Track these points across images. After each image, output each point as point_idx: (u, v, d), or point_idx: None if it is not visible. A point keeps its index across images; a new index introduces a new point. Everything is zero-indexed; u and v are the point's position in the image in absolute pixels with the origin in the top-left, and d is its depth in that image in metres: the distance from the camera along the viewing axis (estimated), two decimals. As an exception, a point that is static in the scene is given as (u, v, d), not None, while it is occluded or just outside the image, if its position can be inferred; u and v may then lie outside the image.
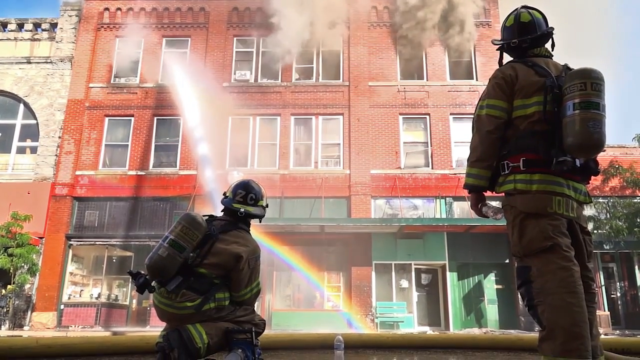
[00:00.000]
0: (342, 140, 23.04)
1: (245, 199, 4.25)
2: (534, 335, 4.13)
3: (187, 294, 3.81)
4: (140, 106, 23.47)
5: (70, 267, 21.81)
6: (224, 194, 4.36)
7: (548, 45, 3.55)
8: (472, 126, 3.47)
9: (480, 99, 3.48)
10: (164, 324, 4.02)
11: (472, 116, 3.54)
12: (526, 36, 3.46)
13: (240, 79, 24.01)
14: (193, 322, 3.79)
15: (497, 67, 3.56)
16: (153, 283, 3.84)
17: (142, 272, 3.85)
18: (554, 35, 3.55)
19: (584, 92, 2.99)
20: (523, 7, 3.57)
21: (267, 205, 4.44)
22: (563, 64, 3.38)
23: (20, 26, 24.78)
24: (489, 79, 3.46)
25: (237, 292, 4.03)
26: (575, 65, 3.31)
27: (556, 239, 3.04)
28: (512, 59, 3.56)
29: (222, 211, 4.33)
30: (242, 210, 4.20)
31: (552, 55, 3.50)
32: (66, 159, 22.55)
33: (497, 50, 3.68)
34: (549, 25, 3.52)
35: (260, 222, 4.47)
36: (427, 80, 23.78)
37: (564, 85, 3.11)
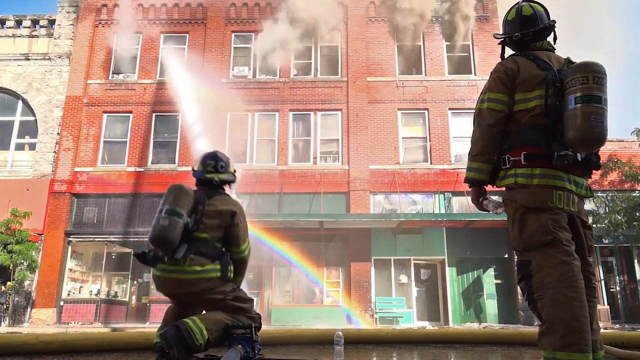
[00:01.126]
0: (340, 135, 23.02)
1: (216, 168, 4.40)
2: (534, 329, 4.14)
3: (195, 258, 3.98)
4: (139, 102, 23.44)
5: (70, 263, 21.80)
6: (193, 169, 4.51)
7: (551, 39, 3.54)
8: (473, 120, 3.46)
9: (481, 93, 3.46)
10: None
11: (471, 111, 3.54)
12: (528, 29, 3.45)
13: (239, 75, 23.98)
14: (199, 289, 3.97)
15: (497, 61, 3.54)
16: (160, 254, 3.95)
17: (146, 249, 3.97)
18: (555, 29, 3.53)
19: (586, 86, 2.97)
20: (525, 0, 3.56)
21: (235, 171, 4.60)
22: (565, 57, 3.36)
23: (19, 23, 24.73)
24: (491, 73, 3.44)
25: (238, 248, 4.24)
26: (576, 58, 3.30)
27: (556, 233, 3.03)
28: (514, 52, 3.54)
29: (195, 185, 4.47)
30: (216, 179, 4.37)
31: (555, 49, 3.48)
32: (65, 156, 22.53)
33: (499, 44, 3.66)
34: (551, 19, 3.51)
35: (230, 187, 4.60)
36: (425, 75, 23.76)
37: (565, 79, 3.10)
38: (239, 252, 4.26)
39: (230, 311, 4.07)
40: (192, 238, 4.01)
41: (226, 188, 4.54)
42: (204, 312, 4.19)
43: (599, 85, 2.98)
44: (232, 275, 4.21)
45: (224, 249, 4.23)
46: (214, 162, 4.42)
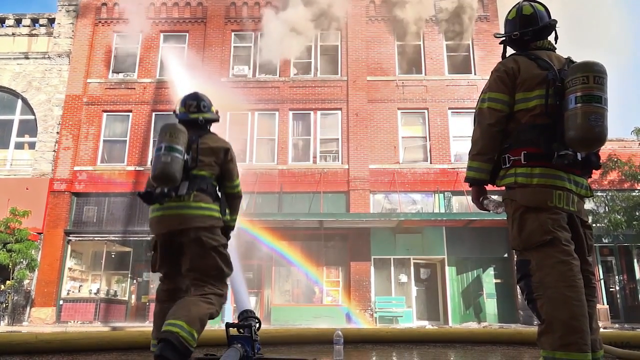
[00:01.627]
0: (340, 135, 23.02)
1: (199, 108, 4.38)
2: (533, 329, 4.14)
3: (198, 195, 4.02)
4: (139, 101, 23.43)
5: (69, 262, 21.79)
6: (174, 111, 4.52)
7: (552, 39, 3.54)
8: (473, 119, 3.47)
9: (482, 92, 3.47)
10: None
11: (471, 111, 3.55)
12: (528, 28, 3.45)
13: (239, 74, 23.98)
14: (204, 226, 3.96)
15: (497, 60, 3.55)
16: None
17: (149, 189, 3.96)
18: (556, 28, 3.53)
19: (586, 86, 2.98)
20: (525, 0, 3.57)
21: (217, 111, 4.56)
22: (566, 57, 3.36)
23: (18, 22, 24.72)
24: (491, 72, 3.45)
25: (232, 182, 4.29)
26: (577, 57, 3.30)
27: (556, 232, 3.04)
28: (514, 52, 3.55)
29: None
30: (200, 118, 4.34)
31: (555, 48, 3.48)
32: (64, 155, 22.52)
33: (500, 44, 3.67)
34: (552, 18, 3.51)
35: (210, 127, 4.52)
36: (425, 74, 23.75)
37: (566, 79, 3.10)
38: (233, 186, 4.30)
39: (212, 267, 3.96)
40: (191, 176, 4.01)
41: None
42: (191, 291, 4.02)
43: (600, 85, 2.98)
44: (228, 217, 4.23)
45: (218, 189, 4.27)
46: (196, 102, 4.40)
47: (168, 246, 4.06)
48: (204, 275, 3.94)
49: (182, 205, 3.95)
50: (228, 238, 4.27)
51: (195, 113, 4.36)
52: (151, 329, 4.18)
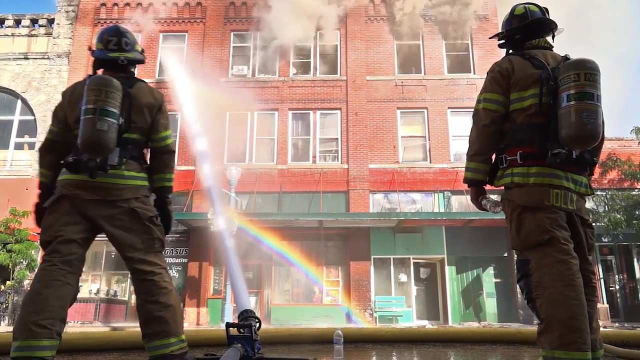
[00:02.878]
0: (340, 134, 23.02)
1: (119, 46, 3.71)
2: (533, 328, 4.15)
3: (130, 163, 3.51)
4: (138, 102, 23.39)
5: (69, 263, 21.74)
6: (90, 47, 3.79)
7: (551, 38, 3.55)
8: (472, 120, 3.48)
9: (479, 93, 3.48)
10: None
11: (470, 110, 3.55)
12: (516, 26, 3.49)
13: (238, 74, 23.97)
14: (134, 197, 3.48)
15: (496, 59, 3.56)
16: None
17: (82, 157, 3.34)
18: (553, 27, 3.54)
19: (578, 83, 2.98)
20: (525, 3, 3.59)
21: (143, 51, 3.98)
22: (563, 55, 3.36)
23: (18, 22, 24.73)
24: (487, 73, 3.47)
25: (157, 134, 3.67)
26: (575, 55, 3.31)
27: (554, 232, 3.04)
28: (510, 52, 3.56)
29: (94, 68, 3.75)
30: (122, 57, 3.69)
31: (552, 47, 3.49)
32: (64, 155, 22.47)
33: (498, 46, 3.68)
34: (549, 18, 3.52)
35: (135, 68, 3.98)
36: (424, 74, 23.76)
37: (559, 77, 3.11)
38: (158, 138, 3.69)
39: (154, 240, 3.52)
40: (122, 140, 3.42)
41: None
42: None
43: (592, 82, 2.99)
44: (161, 176, 3.71)
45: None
46: (116, 39, 3.70)
47: (80, 215, 3.41)
48: (148, 252, 3.49)
49: (113, 174, 3.40)
50: (168, 200, 3.79)
51: (116, 51, 3.68)
52: None
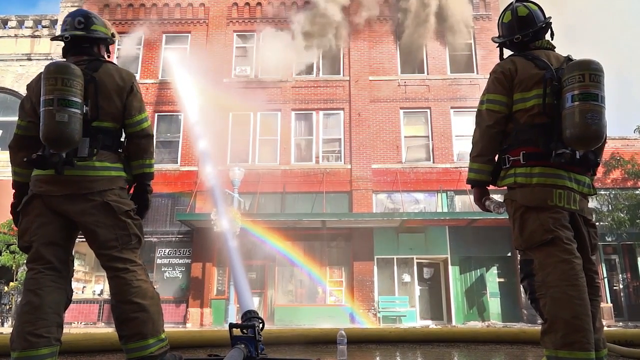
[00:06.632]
0: (343, 135, 23.02)
1: (87, 26, 3.53)
2: (537, 328, 4.14)
3: (103, 153, 3.31)
4: (141, 102, 23.41)
5: (73, 263, 21.77)
6: (56, 38, 3.62)
7: (549, 37, 3.53)
8: (475, 121, 3.47)
9: (482, 94, 3.47)
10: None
11: (473, 110, 3.55)
12: (527, 30, 3.43)
13: (241, 74, 23.98)
14: (110, 188, 3.30)
15: (498, 60, 3.55)
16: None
17: (46, 152, 3.14)
18: (552, 25, 3.53)
19: (583, 84, 2.97)
20: (517, 1, 3.55)
21: (114, 35, 3.77)
22: (565, 56, 3.36)
23: (21, 23, 24.78)
24: (490, 74, 3.45)
25: (131, 119, 3.45)
26: (577, 55, 3.30)
27: (557, 232, 3.04)
28: (512, 52, 3.54)
29: (62, 55, 3.60)
30: (76, 34, 3.48)
31: (554, 47, 3.47)
32: (67, 156, 22.50)
33: (497, 47, 3.66)
34: (546, 16, 3.51)
35: (108, 52, 3.80)
36: (427, 74, 23.75)
37: (563, 77, 3.10)
38: (132, 123, 3.46)
39: (129, 235, 3.37)
40: (92, 130, 3.24)
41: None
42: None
43: (596, 83, 2.98)
44: (141, 162, 3.50)
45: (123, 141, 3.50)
46: (84, 19, 3.53)
47: (54, 212, 3.26)
48: (123, 249, 3.33)
49: (83, 166, 3.21)
50: (149, 189, 3.60)
51: (82, 30, 3.49)
52: None
